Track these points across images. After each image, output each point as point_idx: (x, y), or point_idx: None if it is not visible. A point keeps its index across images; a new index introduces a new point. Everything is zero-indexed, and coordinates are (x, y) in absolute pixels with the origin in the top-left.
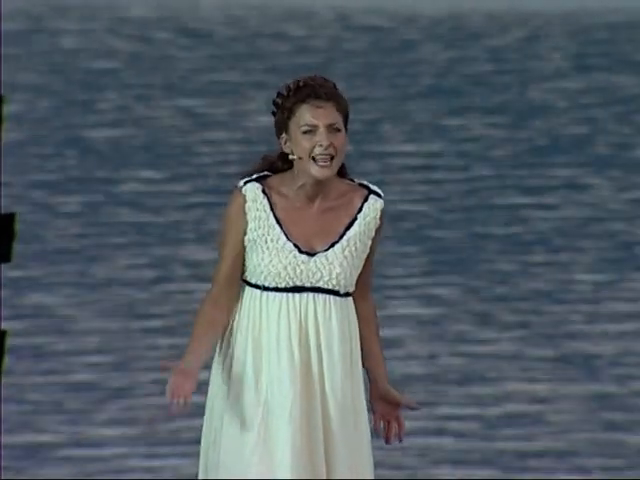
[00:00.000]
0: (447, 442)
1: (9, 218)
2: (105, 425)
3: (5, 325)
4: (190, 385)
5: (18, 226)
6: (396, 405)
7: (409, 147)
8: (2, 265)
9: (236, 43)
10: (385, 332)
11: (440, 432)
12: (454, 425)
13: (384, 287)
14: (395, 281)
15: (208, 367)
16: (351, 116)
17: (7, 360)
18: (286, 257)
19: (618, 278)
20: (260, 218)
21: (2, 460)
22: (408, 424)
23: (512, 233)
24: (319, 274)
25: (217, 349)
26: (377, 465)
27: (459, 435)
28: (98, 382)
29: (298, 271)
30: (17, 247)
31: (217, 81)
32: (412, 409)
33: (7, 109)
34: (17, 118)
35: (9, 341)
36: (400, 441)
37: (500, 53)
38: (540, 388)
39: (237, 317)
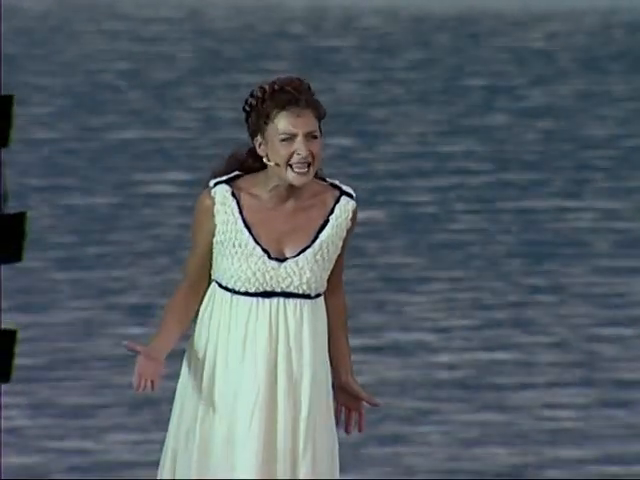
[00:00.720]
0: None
1: (20, 217)
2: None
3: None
4: (157, 369)
5: (29, 226)
6: (357, 398)
7: (423, 148)
8: (15, 265)
9: (251, 43)
10: (404, 337)
11: (465, 438)
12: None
13: (404, 291)
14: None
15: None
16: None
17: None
18: (255, 263)
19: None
20: (228, 222)
21: (2, 460)
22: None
23: (534, 236)
24: (289, 279)
25: (187, 351)
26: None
27: (479, 442)
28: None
29: (268, 277)
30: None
31: (234, 83)
32: (372, 405)
33: (28, 110)
34: (35, 119)
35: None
36: (360, 431)
37: (517, 53)
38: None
39: (208, 319)
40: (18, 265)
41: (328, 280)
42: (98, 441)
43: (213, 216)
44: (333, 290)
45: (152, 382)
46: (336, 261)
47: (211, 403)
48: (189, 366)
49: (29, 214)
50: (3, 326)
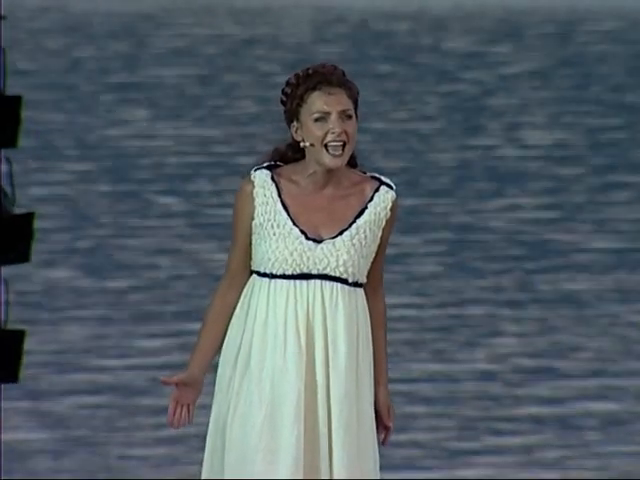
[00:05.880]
0: None
1: (27, 218)
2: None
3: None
4: (193, 393)
5: (36, 226)
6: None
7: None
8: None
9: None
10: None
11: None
12: None
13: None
14: None
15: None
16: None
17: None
18: (292, 243)
19: None
20: (267, 203)
21: (2, 460)
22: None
23: None
24: (326, 261)
25: (225, 342)
26: None
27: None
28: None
29: (305, 258)
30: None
31: None
32: (383, 427)
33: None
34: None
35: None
36: (382, 444)
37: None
38: None
39: (246, 307)
40: None
41: (367, 278)
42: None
43: (253, 199)
44: (372, 291)
45: (188, 407)
46: (375, 258)
47: (248, 390)
48: (225, 355)
49: (36, 215)
50: (11, 327)
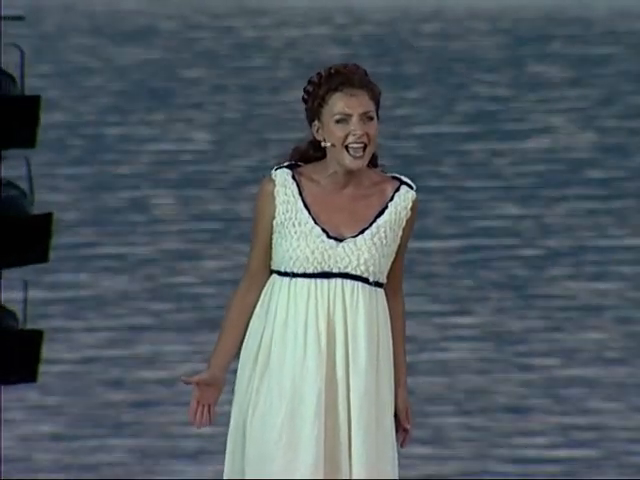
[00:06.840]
0: None
1: (46, 218)
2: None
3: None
4: (214, 393)
5: (55, 226)
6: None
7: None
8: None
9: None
10: None
11: None
12: None
13: None
14: None
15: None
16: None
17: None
18: (314, 241)
19: None
20: (288, 202)
21: (2, 459)
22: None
23: None
24: (347, 259)
25: (245, 341)
26: None
27: None
28: None
29: (326, 256)
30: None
31: None
32: (402, 429)
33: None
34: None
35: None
36: (401, 447)
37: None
38: None
39: (266, 305)
40: None
41: (387, 279)
42: None
43: (274, 198)
44: (392, 292)
45: (209, 407)
46: (395, 258)
47: (268, 388)
48: (245, 353)
49: (55, 215)
50: (29, 327)
